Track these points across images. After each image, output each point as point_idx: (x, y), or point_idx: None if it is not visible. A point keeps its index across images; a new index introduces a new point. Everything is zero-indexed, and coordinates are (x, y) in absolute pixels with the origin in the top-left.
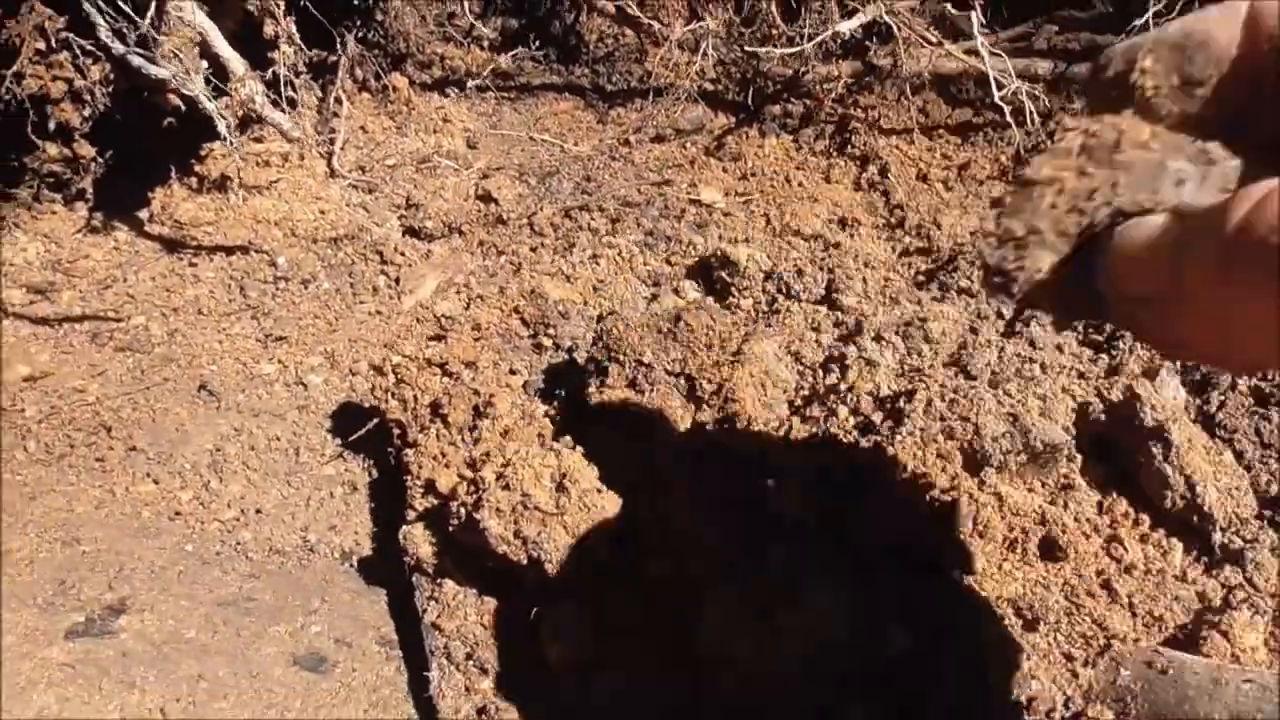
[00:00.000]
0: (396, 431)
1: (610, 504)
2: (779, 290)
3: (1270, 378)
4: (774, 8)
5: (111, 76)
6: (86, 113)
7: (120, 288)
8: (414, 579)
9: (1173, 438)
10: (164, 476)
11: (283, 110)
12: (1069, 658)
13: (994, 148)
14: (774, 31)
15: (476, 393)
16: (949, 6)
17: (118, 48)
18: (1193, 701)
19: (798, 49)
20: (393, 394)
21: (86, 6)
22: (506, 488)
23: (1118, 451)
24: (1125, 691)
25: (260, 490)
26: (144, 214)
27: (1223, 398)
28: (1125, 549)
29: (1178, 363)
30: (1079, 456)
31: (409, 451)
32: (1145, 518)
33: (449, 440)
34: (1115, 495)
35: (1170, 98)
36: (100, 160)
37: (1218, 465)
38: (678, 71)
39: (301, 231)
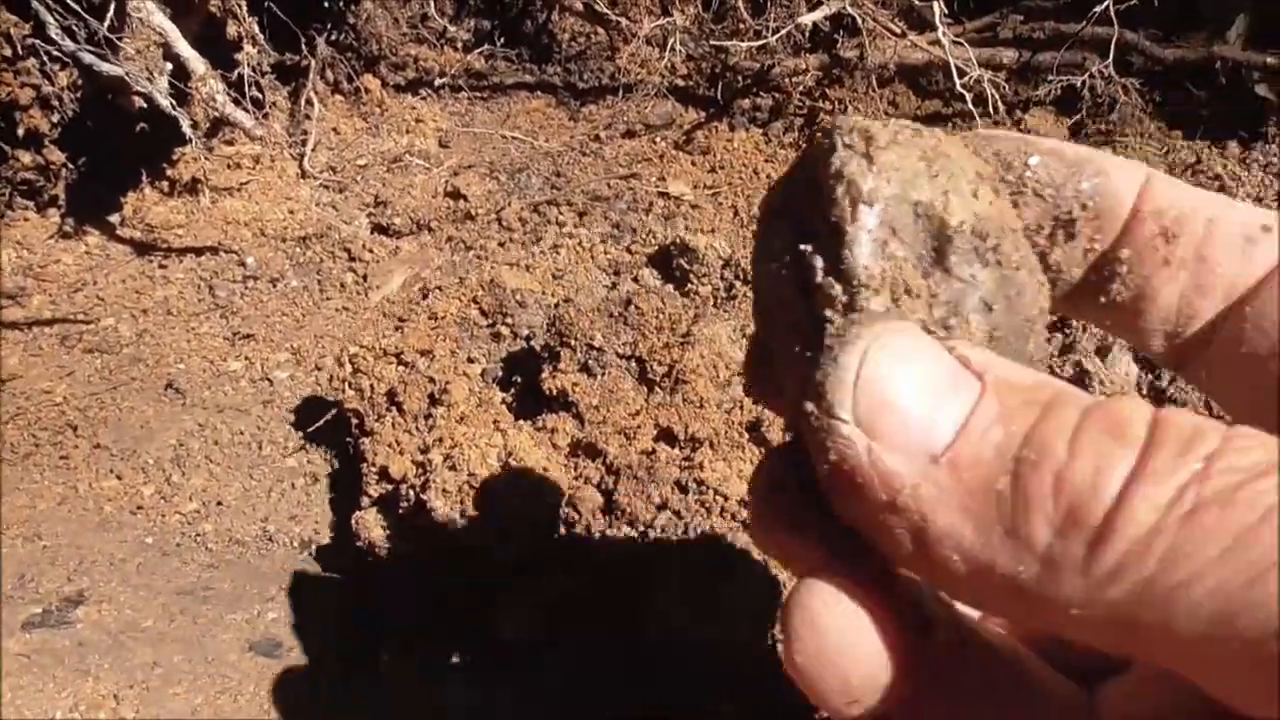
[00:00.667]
0: (354, 421)
1: (556, 483)
2: (736, 277)
3: None
4: (741, 2)
5: (79, 82)
6: (55, 119)
7: (90, 290)
8: (367, 563)
9: None
10: (127, 472)
11: (246, 110)
12: None
13: None
14: (742, 26)
15: (432, 381)
16: None
17: (67, 45)
18: None
19: (765, 42)
20: (350, 384)
21: (35, 4)
22: (453, 468)
23: None
24: None
25: (222, 483)
26: (115, 218)
27: (1173, 373)
28: None
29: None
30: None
31: (365, 440)
32: None
33: (404, 428)
34: None
35: (1039, 210)
36: (71, 166)
37: None
38: (648, 67)
39: (271, 231)
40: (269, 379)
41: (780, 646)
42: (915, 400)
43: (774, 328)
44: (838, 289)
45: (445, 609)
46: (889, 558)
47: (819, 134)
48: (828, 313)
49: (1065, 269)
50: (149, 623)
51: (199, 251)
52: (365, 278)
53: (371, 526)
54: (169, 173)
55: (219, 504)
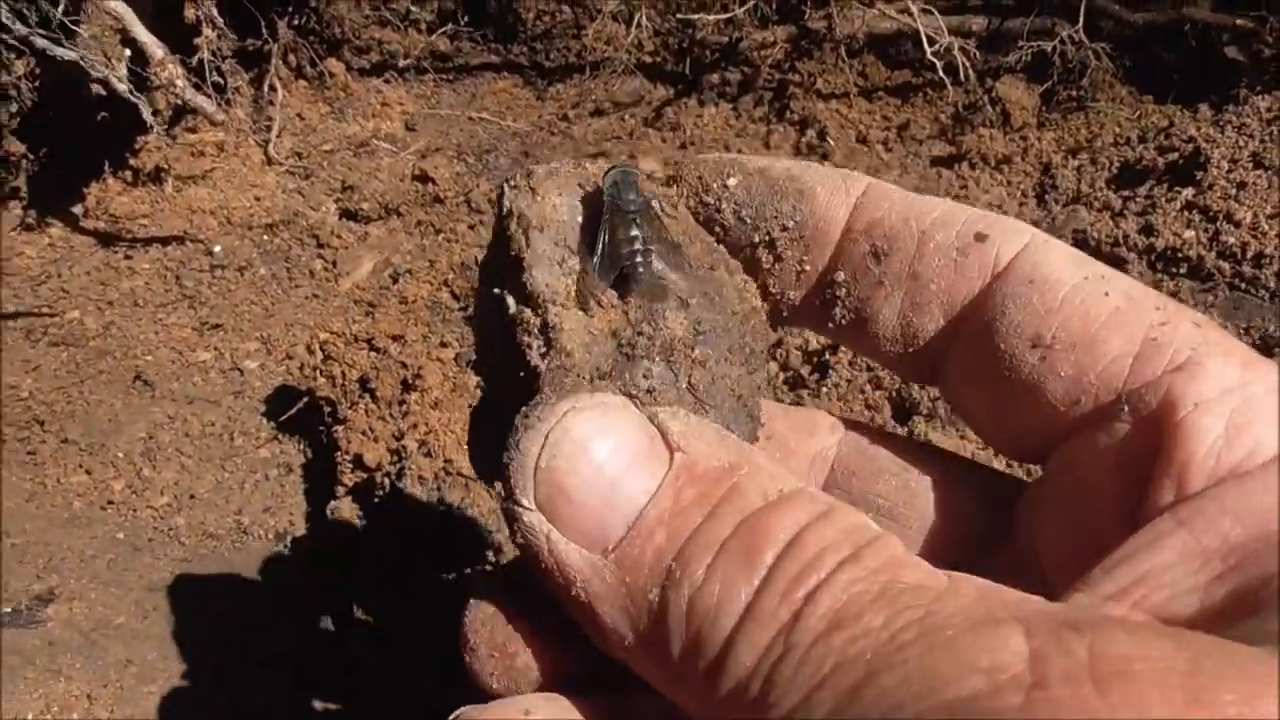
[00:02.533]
0: (327, 409)
1: None
2: None
3: None
4: None
5: (37, 71)
6: (14, 109)
7: (55, 283)
8: (343, 553)
9: None
10: (96, 467)
11: (208, 95)
12: None
13: (933, 107)
14: None
15: (405, 366)
16: None
17: (19, 29)
18: None
19: (732, 15)
20: (321, 372)
21: None
22: (429, 455)
23: None
24: None
25: (194, 476)
26: (78, 209)
27: None
28: None
29: None
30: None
31: (339, 428)
32: None
33: (378, 415)
34: None
35: (739, 232)
36: (32, 157)
37: None
38: (614, 45)
39: (237, 219)
40: (239, 369)
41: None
42: (593, 487)
43: (497, 387)
44: (528, 314)
45: (421, 599)
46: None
47: (497, 192)
48: (530, 349)
49: (783, 290)
50: (121, 620)
51: (164, 241)
52: (334, 264)
53: (349, 517)
54: (132, 162)
55: (191, 497)
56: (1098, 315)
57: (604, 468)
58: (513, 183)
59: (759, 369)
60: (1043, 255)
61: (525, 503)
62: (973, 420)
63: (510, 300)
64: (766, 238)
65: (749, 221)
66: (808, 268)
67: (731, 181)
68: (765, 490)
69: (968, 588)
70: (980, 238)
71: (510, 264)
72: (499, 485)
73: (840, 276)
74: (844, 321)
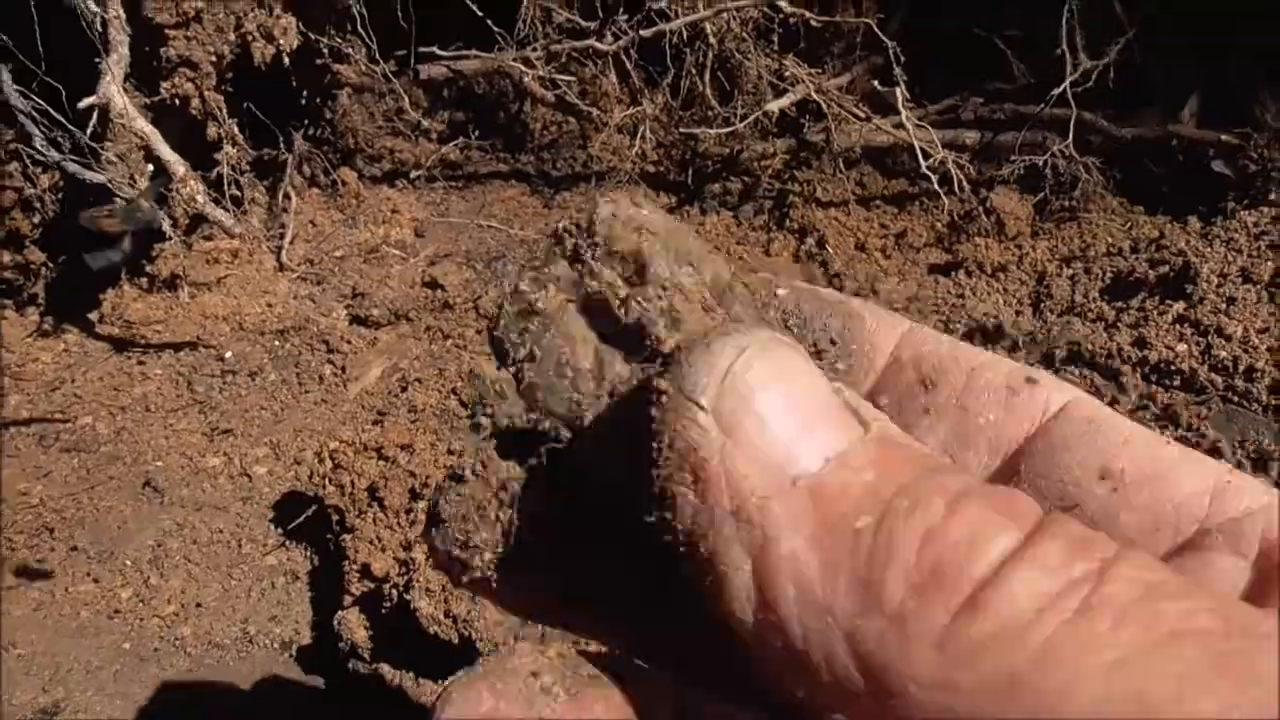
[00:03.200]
0: (335, 517)
1: None
2: None
3: (1194, 428)
4: (709, 90)
5: (60, 184)
6: (36, 220)
7: (68, 389)
8: (350, 665)
9: None
10: (104, 575)
11: (225, 208)
12: None
13: (929, 215)
14: (710, 113)
15: (413, 475)
16: (876, 84)
17: (53, 155)
18: None
19: (733, 128)
20: (330, 480)
21: (21, 118)
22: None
23: None
24: None
25: (201, 584)
26: (94, 315)
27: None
28: None
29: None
30: None
31: (346, 537)
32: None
33: (385, 524)
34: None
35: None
36: (51, 265)
37: None
38: (619, 155)
39: (249, 325)
40: (248, 475)
41: None
42: (783, 417)
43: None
44: (650, 292)
45: (432, 711)
46: (702, 586)
47: (563, 221)
48: (644, 319)
49: None
50: None
51: (177, 347)
52: (343, 369)
53: (355, 627)
54: (148, 269)
55: (198, 605)
56: (1167, 455)
57: (804, 396)
58: (607, 202)
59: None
60: (1091, 406)
61: (703, 402)
62: None
63: (620, 284)
64: (813, 348)
65: (795, 330)
66: (852, 385)
67: (781, 291)
68: (980, 481)
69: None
70: (1031, 381)
71: (619, 260)
72: (661, 380)
73: (884, 401)
74: None
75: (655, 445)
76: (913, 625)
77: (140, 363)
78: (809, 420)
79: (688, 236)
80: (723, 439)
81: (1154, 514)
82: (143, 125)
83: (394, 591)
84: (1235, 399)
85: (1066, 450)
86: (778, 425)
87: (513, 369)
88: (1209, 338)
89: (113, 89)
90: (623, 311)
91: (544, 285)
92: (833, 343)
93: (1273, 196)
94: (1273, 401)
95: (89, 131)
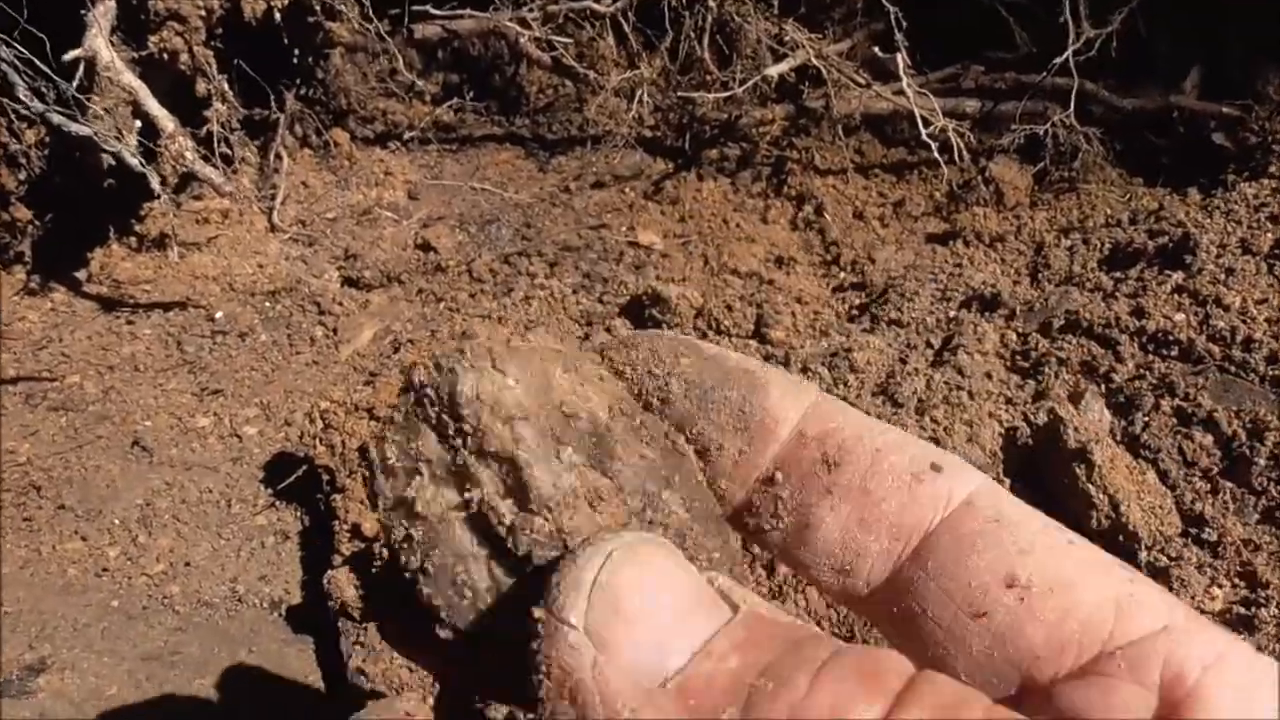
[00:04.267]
0: (325, 477)
1: None
2: (709, 326)
3: (1191, 397)
4: (708, 54)
5: (46, 139)
6: (22, 176)
7: (56, 348)
8: (339, 624)
9: (1095, 458)
10: (92, 533)
11: (215, 166)
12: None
13: (928, 184)
14: (709, 77)
15: None
16: (877, 50)
17: (36, 106)
18: None
19: (732, 93)
20: (321, 440)
21: (3, 67)
22: None
23: (1045, 473)
24: None
25: (190, 543)
26: (82, 274)
27: (1146, 419)
28: None
29: (1103, 385)
30: (1005, 480)
31: (337, 497)
32: None
33: None
34: None
35: (684, 410)
36: (38, 223)
37: (1141, 485)
38: (616, 119)
39: (240, 286)
40: (238, 435)
41: None
42: (654, 616)
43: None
44: (537, 521)
45: (420, 671)
46: None
47: (418, 373)
48: (535, 550)
49: (725, 486)
50: (114, 690)
51: (167, 307)
52: (335, 331)
53: (345, 586)
54: (136, 228)
55: (187, 565)
56: (1070, 560)
57: (670, 593)
58: (466, 361)
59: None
60: (995, 497)
61: (573, 620)
62: (945, 665)
63: (503, 509)
64: (710, 422)
65: (694, 402)
66: (750, 461)
67: (684, 361)
68: (845, 646)
69: None
70: (936, 468)
71: (493, 461)
72: (535, 608)
73: (783, 477)
74: (780, 526)
75: (536, 673)
76: None
77: (129, 322)
78: (678, 614)
79: (552, 377)
80: (594, 655)
81: (1060, 629)
82: (130, 79)
83: (384, 550)
84: (1232, 369)
85: (973, 552)
86: (645, 630)
87: (407, 575)
88: (1207, 308)
89: (99, 41)
90: (511, 543)
91: (417, 468)
92: (730, 416)
93: (1273, 169)
94: (1270, 372)
95: (75, 84)
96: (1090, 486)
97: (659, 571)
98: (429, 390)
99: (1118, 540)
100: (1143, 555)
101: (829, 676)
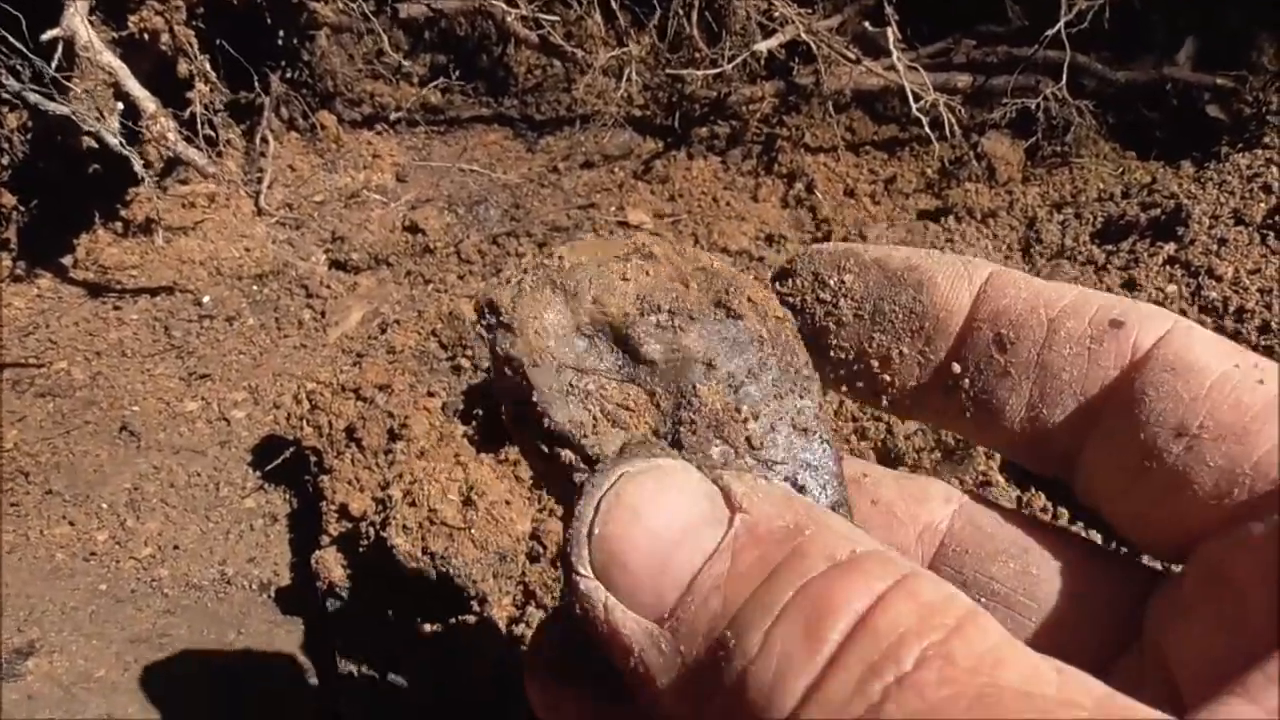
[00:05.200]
0: (313, 459)
1: (519, 516)
2: None
3: None
4: (696, 32)
5: (29, 124)
6: (5, 161)
7: (43, 334)
8: (327, 603)
9: None
10: (80, 518)
11: (199, 148)
12: None
13: (919, 161)
14: (697, 55)
15: (391, 415)
16: (867, 25)
17: (11, 84)
18: None
19: (721, 71)
20: (308, 421)
21: None
22: (413, 504)
23: None
24: None
25: (178, 526)
26: (68, 260)
27: None
28: None
29: None
30: (996, 453)
31: (324, 478)
32: (1064, 511)
33: (364, 464)
34: (1033, 490)
35: (858, 328)
36: (23, 209)
37: None
38: (604, 98)
39: (227, 270)
40: (226, 419)
41: None
42: (647, 558)
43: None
44: (566, 454)
45: (408, 651)
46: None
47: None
48: (576, 478)
49: (903, 383)
50: (102, 672)
51: (153, 292)
52: (323, 314)
53: (332, 566)
54: (122, 213)
55: (175, 548)
56: (1251, 405)
57: (659, 533)
58: (486, 322)
59: (813, 381)
60: (1185, 342)
61: (582, 570)
62: (1110, 515)
63: (542, 446)
64: (885, 333)
65: (867, 318)
66: (930, 359)
67: (848, 277)
68: (833, 552)
69: (1082, 695)
70: (1116, 324)
71: (527, 409)
72: (563, 560)
73: (962, 368)
74: (968, 414)
75: (572, 612)
76: None
77: (116, 308)
78: (676, 540)
79: (584, 297)
80: (604, 596)
81: (1229, 476)
82: (110, 59)
83: (371, 530)
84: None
85: (1144, 403)
86: (644, 564)
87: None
88: (1199, 279)
89: (77, 20)
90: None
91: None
92: (904, 321)
93: (1267, 139)
94: (1263, 342)
95: (54, 65)
96: None
97: (649, 503)
98: (481, 323)
99: None
100: None
101: (777, 630)
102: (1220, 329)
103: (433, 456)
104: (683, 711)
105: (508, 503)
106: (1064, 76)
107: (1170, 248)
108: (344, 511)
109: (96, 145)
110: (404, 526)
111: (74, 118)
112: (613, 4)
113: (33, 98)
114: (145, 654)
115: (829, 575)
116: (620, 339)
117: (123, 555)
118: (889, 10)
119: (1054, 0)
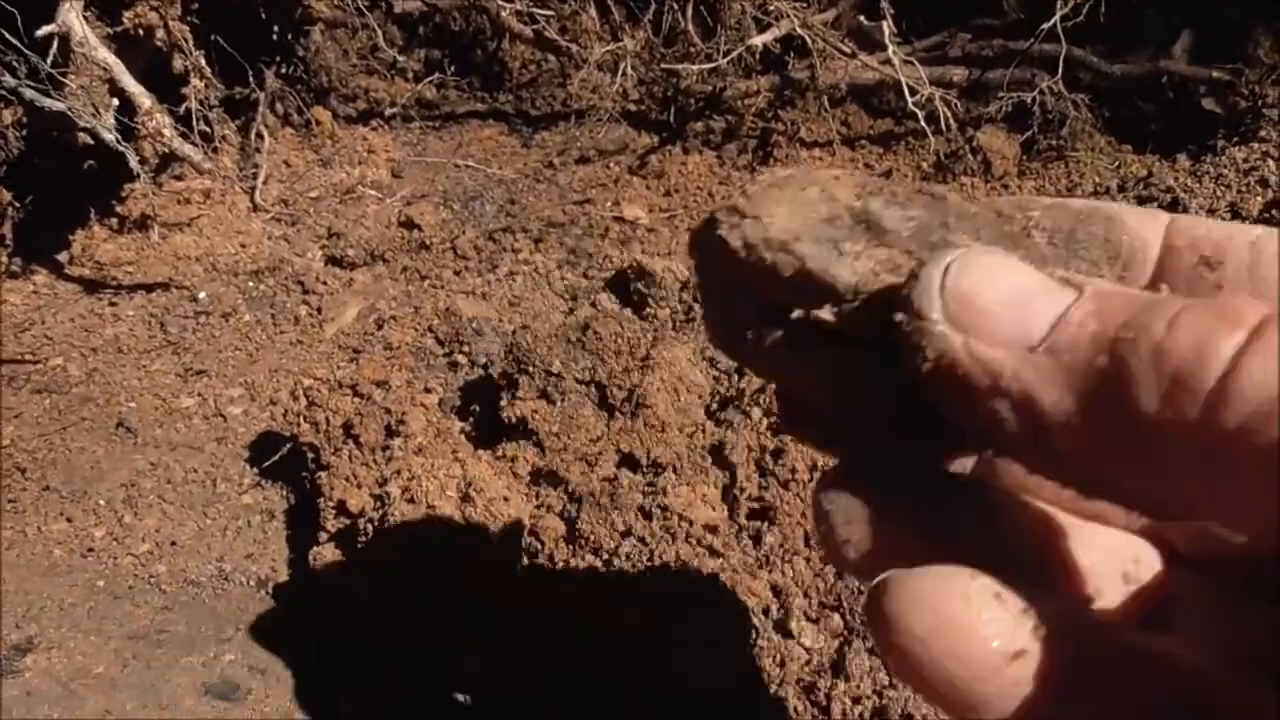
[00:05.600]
0: (310, 455)
1: (517, 512)
2: (695, 299)
3: None
4: (691, 26)
5: (24, 119)
6: (1, 157)
7: (39, 330)
8: (326, 601)
9: None
10: (77, 514)
11: (195, 144)
12: None
13: (915, 155)
14: (692, 49)
15: (388, 412)
16: (863, 19)
17: (7, 80)
18: None
19: (716, 65)
20: (305, 418)
21: None
22: (411, 501)
23: None
24: None
25: (176, 523)
26: (64, 256)
27: None
28: None
29: None
30: None
31: (322, 474)
32: None
33: (361, 461)
34: None
35: (1050, 254)
36: (18, 205)
37: None
38: (599, 93)
39: (223, 266)
40: (222, 415)
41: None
42: (1005, 301)
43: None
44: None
45: (406, 647)
46: (1000, 446)
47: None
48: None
49: None
50: (100, 669)
51: (149, 288)
52: (319, 310)
53: (329, 562)
54: (118, 209)
55: (173, 544)
56: None
57: (1015, 282)
58: (730, 222)
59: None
60: None
61: (935, 316)
62: None
63: (825, 313)
64: (1081, 260)
65: (1060, 245)
66: (1133, 283)
67: (1035, 212)
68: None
69: None
70: None
71: (798, 279)
72: (898, 314)
73: (1167, 288)
74: None
75: (913, 364)
76: (1166, 429)
77: (112, 304)
78: (1028, 296)
79: (798, 199)
80: (962, 337)
81: None
82: (105, 55)
83: (369, 526)
84: None
85: None
86: (1003, 310)
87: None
88: None
89: (72, 16)
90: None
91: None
92: (1099, 248)
93: (1264, 132)
94: None
95: (50, 61)
96: None
97: (1000, 267)
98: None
99: None
100: None
101: (1185, 317)
102: None
103: (430, 453)
104: (1065, 408)
105: (505, 499)
106: (1060, 70)
107: None
108: (342, 508)
109: (92, 141)
110: (402, 523)
111: (70, 113)
112: None
113: (28, 94)
114: (143, 650)
115: (1214, 300)
116: (857, 215)
117: (120, 551)
118: (884, 4)
119: None
